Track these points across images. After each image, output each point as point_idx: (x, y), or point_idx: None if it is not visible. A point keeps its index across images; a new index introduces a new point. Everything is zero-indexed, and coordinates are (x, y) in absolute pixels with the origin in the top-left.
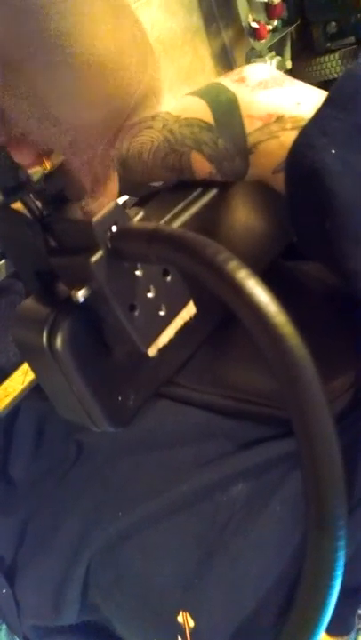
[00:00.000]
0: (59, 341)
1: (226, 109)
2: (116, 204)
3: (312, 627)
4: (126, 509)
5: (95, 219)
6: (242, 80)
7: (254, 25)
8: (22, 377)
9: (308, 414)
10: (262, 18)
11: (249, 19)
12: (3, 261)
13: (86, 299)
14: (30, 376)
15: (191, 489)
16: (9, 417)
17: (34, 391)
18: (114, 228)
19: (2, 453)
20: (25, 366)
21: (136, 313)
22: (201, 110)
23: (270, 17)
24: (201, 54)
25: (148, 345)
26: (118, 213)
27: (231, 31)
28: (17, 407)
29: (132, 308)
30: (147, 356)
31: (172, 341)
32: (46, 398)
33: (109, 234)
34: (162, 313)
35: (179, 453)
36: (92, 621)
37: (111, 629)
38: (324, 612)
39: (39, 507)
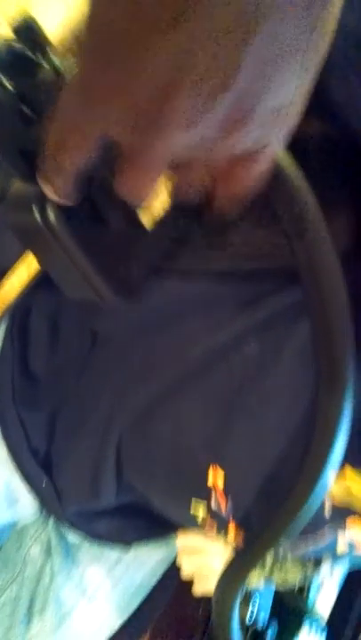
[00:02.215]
0: (52, 215)
1: None
2: None
3: (323, 464)
4: (147, 383)
5: (69, 75)
6: None
7: None
8: (26, 270)
9: (315, 251)
10: None
11: None
12: None
13: None
14: (33, 266)
15: (205, 353)
16: (22, 316)
17: (43, 289)
18: None
19: (20, 351)
20: (27, 258)
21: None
22: None
23: None
24: None
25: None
26: None
27: None
28: (28, 307)
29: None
30: (143, 223)
31: (167, 211)
32: (56, 294)
33: None
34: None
35: (189, 323)
36: (132, 503)
37: (150, 508)
38: (335, 447)
39: (65, 398)
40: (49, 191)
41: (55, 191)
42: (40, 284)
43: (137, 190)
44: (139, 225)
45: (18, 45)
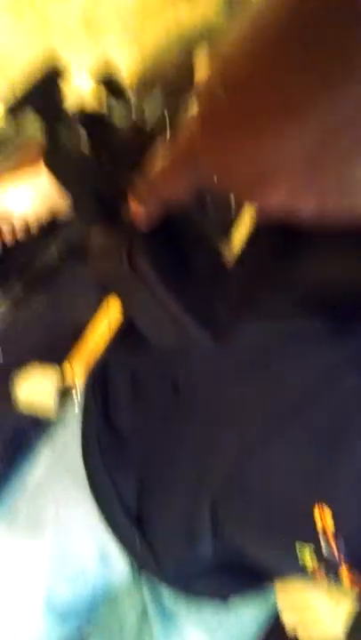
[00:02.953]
0: (141, 261)
1: (236, 5)
2: (161, 96)
3: None
4: (239, 430)
5: (146, 116)
6: None
7: None
8: (106, 325)
9: None
10: None
11: None
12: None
13: None
14: (113, 322)
15: (298, 393)
16: (101, 373)
17: (121, 342)
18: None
19: (102, 407)
20: (106, 315)
21: (207, 208)
22: (211, 12)
23: None
24: (183, 9)
25: (223, 239)
26: (165, 104)
27: None
28: (106, 361)
29: (203, 202)
30: (225, 260)
31: (246, 251)
32: (135, 346)
33: (163, 124)
34: (234, 197)
35: (280, 365)
36: (231, 557)
37: (250, 562)
38: None
39: (151, 452)
40: (138, 213)
41: (145, 214)
42: (117, 339)
43: None
44: (222, 264)
45: (91, 101)
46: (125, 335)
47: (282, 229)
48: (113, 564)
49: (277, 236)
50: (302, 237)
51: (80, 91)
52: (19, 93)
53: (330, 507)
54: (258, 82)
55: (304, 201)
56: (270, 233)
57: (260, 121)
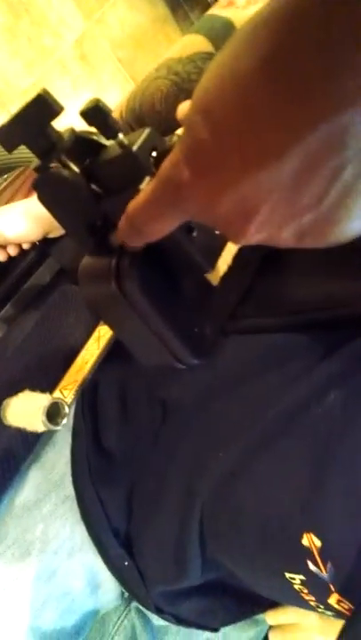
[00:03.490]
0: (128, 284)
1: (223, 34)
2: (151, 129)
3: None
4: (225, 448)
5: (135, 147)
6: (231, 3)
7: None
8: (96, 343)
9: None
10: None
11: None
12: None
13: None
14: (103, 340)
15: (285, 409)
16: (90, 392)
17: (109, 363)
18: (154, 154)
19: (92, 427)
20: (96, 333)
21: (194, 234)
22: (198, 43)
23: None
24: (174, 39)
25: (211, 265)
26: (155, 138)
27: (198, 11)
28: (95, 382)
29: (190, 229)
30: (210, 282)
31: (230, 269)
32: (122, 366)
33: (152, 159)
34: (218, 232)
35: (264, 380)
36: (219, 580)
37: (238, 584)
38: None
39: (139, 473)
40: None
41: (131, 246)
42: (106, 358)
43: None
44: (208, 283)
45: (80, 130)
46: (115, 350)
47: (267, 248)
48: (102, 587)
49: (263, 254)
50: (288, 256)
51: (71, 124)
52: (6, 123)
53: (318, 530)
54: (237, 128)
55: (284, 238)
56: (256, 251)
57: (240, 163)
